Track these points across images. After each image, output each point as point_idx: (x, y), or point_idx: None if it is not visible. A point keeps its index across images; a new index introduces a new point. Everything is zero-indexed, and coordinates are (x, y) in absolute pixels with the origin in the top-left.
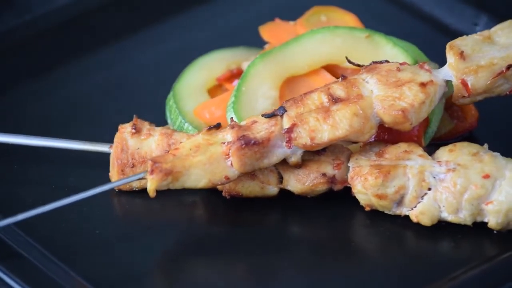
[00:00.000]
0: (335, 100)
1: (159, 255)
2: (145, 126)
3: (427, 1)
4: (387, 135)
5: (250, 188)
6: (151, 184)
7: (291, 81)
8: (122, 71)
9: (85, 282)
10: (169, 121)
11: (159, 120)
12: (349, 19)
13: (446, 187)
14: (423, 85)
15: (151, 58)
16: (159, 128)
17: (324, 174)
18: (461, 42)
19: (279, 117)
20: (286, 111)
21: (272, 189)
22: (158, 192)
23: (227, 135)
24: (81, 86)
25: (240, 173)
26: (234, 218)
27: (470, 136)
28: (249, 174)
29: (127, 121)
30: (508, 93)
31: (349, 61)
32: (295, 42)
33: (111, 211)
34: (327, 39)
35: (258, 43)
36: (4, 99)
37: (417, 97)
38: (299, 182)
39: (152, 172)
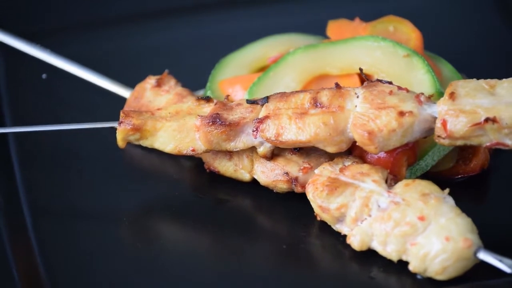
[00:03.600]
0: (316, 105)
1: (131, 205)
2: (170, 83)
3: None
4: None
5: (225, 168)
6: (118, 135)
7: (323, 79)
8: (200, 37)
9: (27, 208)
10: None
11: None
12: (413, 35)
13: (383, 217)
14: (401, 113)
15: (236, 33)
16: (179, 88)
17: (286, 173)
18: (462, 84)
19: (259, 106)
20: (267, 102)
21: (245, 174)
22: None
23: (209, 110)
24: (159, 42)
25: (206, 149)
26: (217, 192)
27: (470, 180)
28: (227, 154)
29: (182, 79)
30: (488, 145)
31: (361, 71)
32: (340, 43)
33: (107, 154)
34: (369, 48)
35: None
36: (92, 36)
37: (389, 124)
38: (263, 174)
39: (120, 123)
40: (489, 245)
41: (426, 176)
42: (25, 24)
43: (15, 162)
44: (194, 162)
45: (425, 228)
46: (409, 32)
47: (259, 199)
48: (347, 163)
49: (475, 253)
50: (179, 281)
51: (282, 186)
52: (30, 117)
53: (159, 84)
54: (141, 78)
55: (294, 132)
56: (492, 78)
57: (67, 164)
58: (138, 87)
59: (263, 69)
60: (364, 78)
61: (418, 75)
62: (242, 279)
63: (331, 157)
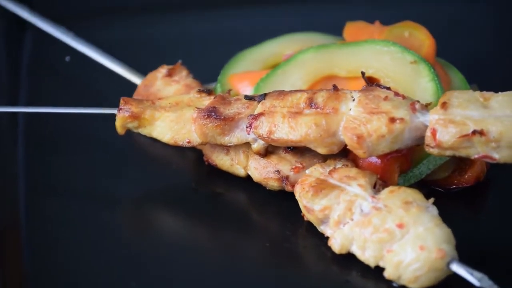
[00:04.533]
0: (311, 105)
1: (128, 191)
2: (181, 73)
3: None
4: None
5: (222, 161)
6: (116, 121)
7: (331, 80)
8: (221, 31)
9: (24, 185)
10: None
11: None
12: (427, 42)
13: (363, 222)
14: (392, 120)
15: (257, 29)
16: (189, 80)
17: (278, 171)
18: (457, 94)
19: (255, 102)
20: (264, 99)
21: (240, 170)
22: None
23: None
24: (181, 32)
25: (201, 141)
26: (213, 185)
27: (468, 191)
28: (225, 148)
29: (199, 71)
30: (476, 157)
31: (363, 75)
32: (351, 46)
33: (116, 139)
34: (378, 52)
35: None
36: (116, 23)
37: (379, 129)
38: (256, 171)
39: (119, 110)
40: (471, 257)
41: (421, 183)
42: (54, 7)
43: (21, 140)
44: (197, 154)
45: (402, 236)
46: (423, 39)
47: (253, 195)
48: (339, 165)
49: (448, 264)
50: (165, 267)
51: (273, 183)
52: (47, 97)
53: (170, 74)
54: (157, 67)
55: (286, 131)
56: (507, 90)
57: (73, 146)
58: (150, 75)
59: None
60: (365, 82)
61: (423, 83)
62: (223, 271)
63: (325, 158)
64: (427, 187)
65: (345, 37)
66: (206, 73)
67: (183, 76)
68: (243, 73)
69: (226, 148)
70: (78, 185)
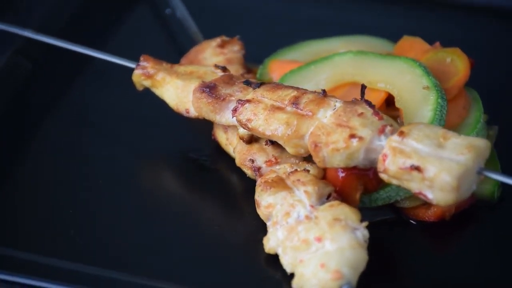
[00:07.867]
0: (293, 104)
1: (136, 147)
2: (233, 47)
3: None
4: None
5: (221, 139)
6: (133, 77)
7: (354, 87)
8: (314, 20)
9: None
10: None
11: None
12: (461, 73)
13: (292, 228)
14: (351, 136)
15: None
16: (236, 55)
17: (252, 160)
18: (421, 127)
19: (250, 89)
20: (259, 87)
21: (232, 150)
22: None
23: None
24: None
25: (198, 114)
26: (215, 159)
27: (436, 226)
28: (225, 126)
29: (260, 50)
30: (416, 192)
31: (363, 89)
32: (384, 59)
33: (131, 94)
34: (403, 70)
35: None
36: None
37: (336, 143)
38: (238, 155)
39: (137, 66)
40: None
41: (392, 208)
42: None
43: (69, 75)
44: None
45: (317, 250)
46: (461, 69)
47: (243, 180)
48: (308, 167)
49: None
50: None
51: (247, 171)
52: (126, 43)
53: (222, 45)
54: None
55: (260, 123)
56: None
57: (113, 93)
58: (204, 43)
59: None
60: (361, 95)
61: (425, 110)
62: (170, 233)
63: (302, 158)
64: (398, 215)
65: (394, 49)
66: (265, 53)
67: (232, 50)
68: (281, 61)
69: (226, 127)
70: (98, 126)
